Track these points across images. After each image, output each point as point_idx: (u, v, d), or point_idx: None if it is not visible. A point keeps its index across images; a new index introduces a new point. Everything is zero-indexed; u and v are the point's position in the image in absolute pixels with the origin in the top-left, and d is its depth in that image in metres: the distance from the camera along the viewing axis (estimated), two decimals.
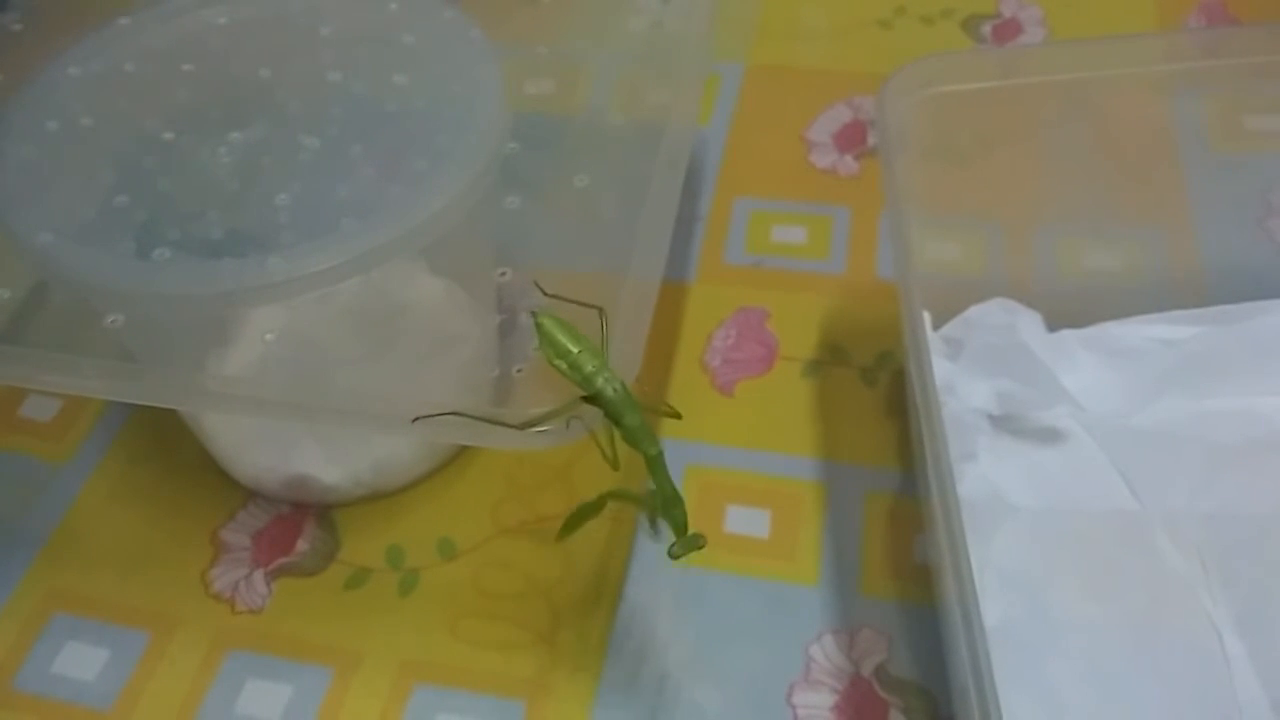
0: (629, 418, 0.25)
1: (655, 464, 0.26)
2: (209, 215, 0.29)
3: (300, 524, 0.36)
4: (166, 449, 0.38)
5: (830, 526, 0.35)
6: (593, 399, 0.25)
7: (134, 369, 0.28)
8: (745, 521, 0.35)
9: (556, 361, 0.25)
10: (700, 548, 0.26)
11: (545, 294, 0.26)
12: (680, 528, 0.26)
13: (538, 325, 0.25)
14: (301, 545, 0.35)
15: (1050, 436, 0.35)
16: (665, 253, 0.27)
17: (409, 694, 0.32)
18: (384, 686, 0.32)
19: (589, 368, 0.25)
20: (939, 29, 0.52)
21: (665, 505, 0.26)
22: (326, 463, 0.36)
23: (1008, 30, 0.52)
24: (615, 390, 0.25)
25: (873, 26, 0.52)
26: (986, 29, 0.52)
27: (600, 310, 0.25)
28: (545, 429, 0.25)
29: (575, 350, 0.25)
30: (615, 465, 0.25)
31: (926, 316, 0.37)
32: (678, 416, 0.28)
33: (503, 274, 0.28)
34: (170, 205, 0.29)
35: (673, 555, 0.26)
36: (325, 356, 0.37)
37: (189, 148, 0.30)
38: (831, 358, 0.39)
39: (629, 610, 0.33)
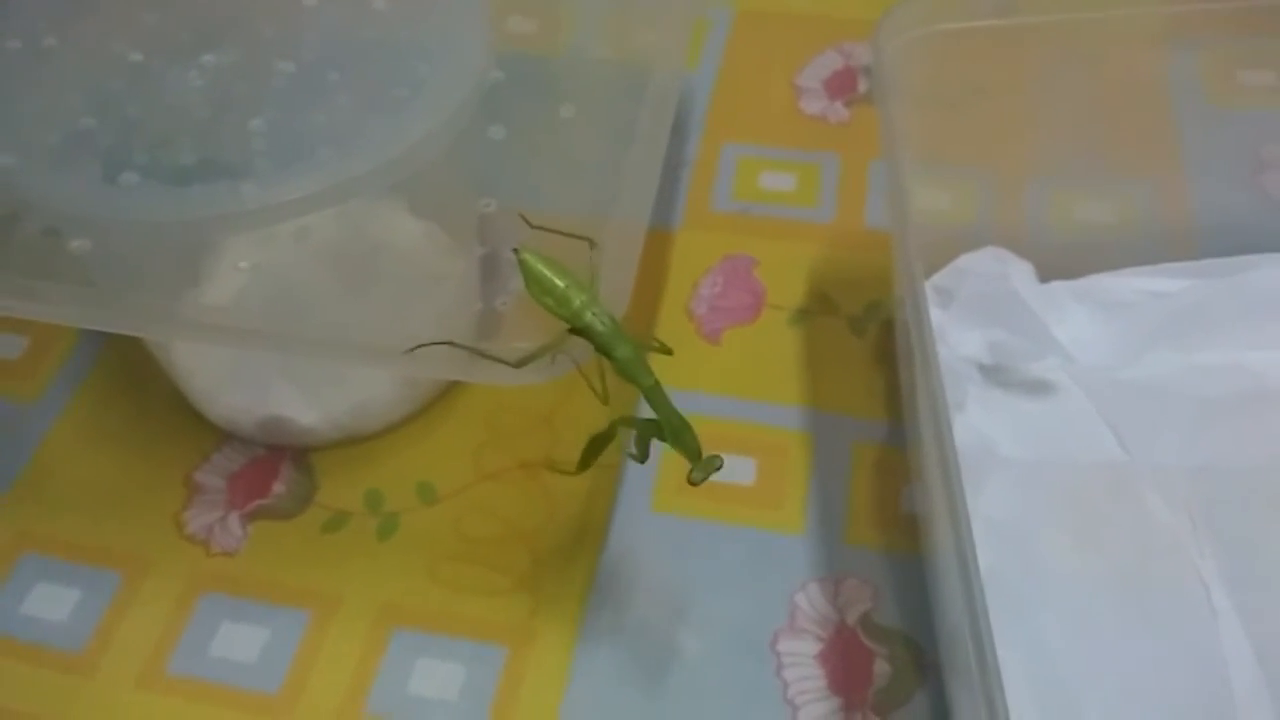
0: (620, 350, 0.24)
1: (654, 394, 0.25)
2: (179, 141, 0.28)
3: (276, 466, 0.35)
4: (138, 388, 0.37)
5: (816, 476, 0.34)
6: (581, 333, 0.24)
7: (101, 294, 0.27)
8: (730, 470, 0.33)
9: (543, 298, 0.24)
10: (719, 468, 0.25)
11: (531, 225, 0.25)
12: (694, 453, 0.25)
13: (521, 261, 0.24)
14: (278, 488, 0.34)
15: (1040, 388, 0.34)
16: (653, 193, 0.26)
17: (388, 638, 0.31)
18: (362, 630, 0.31)
19: (576, 302, 0.24)
20: None
21: (675, 434, 0.25)
22: (303, 404, 0.35)
23: None
24: (604, 324, 0.24)
25: None
26: None
27: (590, 241, 0.25)
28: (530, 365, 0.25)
29: (561, 285, 0.24)
30: (604, 400, 0.25)
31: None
32: (669, 352, 0.27)
33: (486, 204, 0.27)
34: (139, 130, 0.28)
35: (692, 481, 0.25)
36: (303, 295, 0.36)
37: (158, 71, 0.29)
38: (819, 307, 0.39)
39: (612, 557, 0.33)
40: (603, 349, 0.24)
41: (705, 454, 0.25)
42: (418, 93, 0.28)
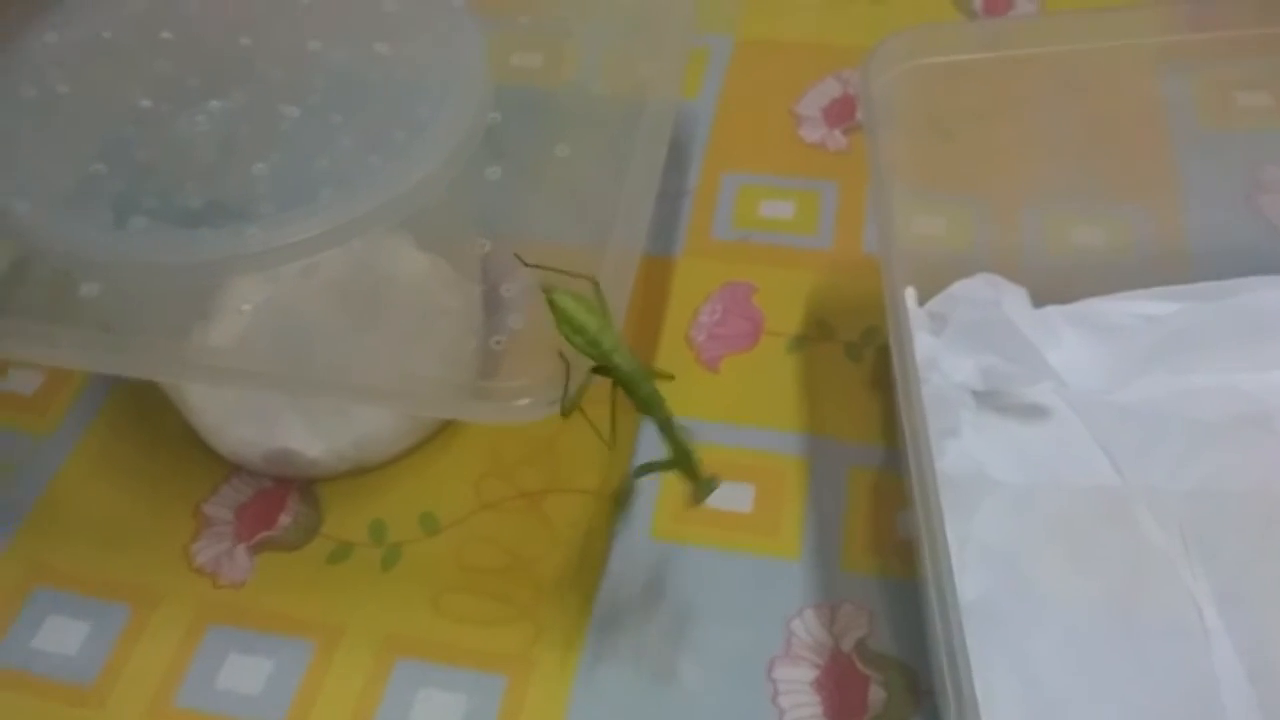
0: (644, 387, 0.26)
1: (669, 426, 0.27)
2: (187, 185, 0.28)
3: (283, 498, 0.36)
4: (150, 423, 0.38)
5: (813, 502, 0.35)
6: (606, 371, 0.25)
7: (113, 340, 0.28)
8: (729, 496, 0.35)
9: (574, 338, 0.25)
10: (716, 488, 0.27)
11: (525, 264, 0.26)
12: (696, 476, 0.27)
13: (552, 303, 0.25)
14: (284, 519, 0.35)
15: (1034, 412, 0.35)
16: (646, 223, 0.27)
17: (391, 668, 0.32)
18: (366, 661, 0.32)
19: (607, 344, 0.25)
20: (930, 2, 0.51)
21: (685, 461, 0.27)
22: (309, 437, 0.35)
23: (999, 4, 0.51)
24: (629, 363, 0.25)
25: (863, 1, 0.52)
26: (977, 2, 0.51)
27: (594, 282, 0.25)
28: (527, 401, 0.25)
29: (594, 326, 0.25)
30: (612, 445, 0.26)
31: (912, 291, 0.37)
32: (671, 378, 0.28)
33: (483, 245, 0.28)
34: (148, 174, 0.29)
35: (695, 501, 0.27)
36: (309, 330, 0.37)
37: (167, 116, 0.30)
38: (817, 333, 0.39)
39: (611, 585, 0.33)
40: (626, 386, 0.26)
41: (704, 476, 0.27)
42: (418, 135, 0.29)
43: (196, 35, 0.32)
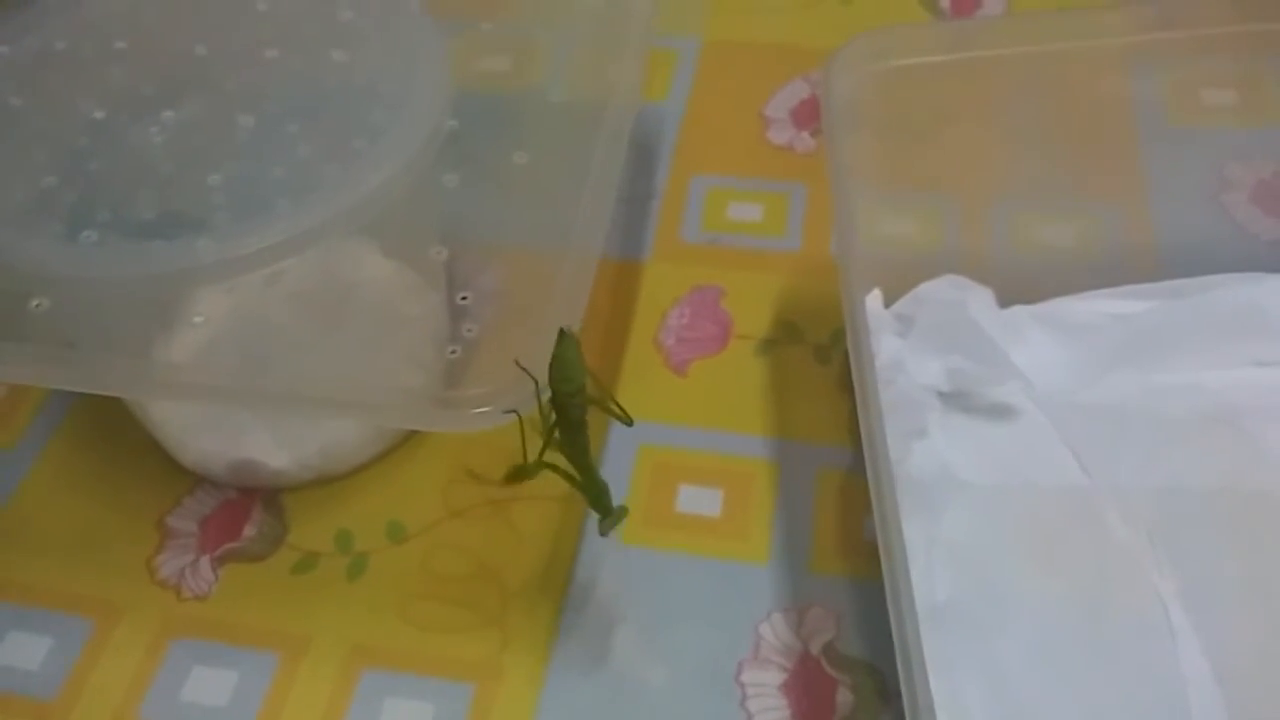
0: (579, 440, 0.27)
1: (586, 474, 0.28)
2: (141, 196, 0.28)
3: (248, 509, 0.35)
4: (112, 435, 0.37)
5: (782, 505, 0.35)
6: (560, 410, 0.26)
7: (72, 356, 0.28)
8: (697, 501, 0.35)
9: (562, 384, 0.26)
10: (621, 520, 0.28)
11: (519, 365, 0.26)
12: (607, 511, 0.28)
13: (563, 337, 0.25)
14: (249, 530, 0.35)
15: (1001, 413, 0.35)
16: (605, 228, 0.27)
17: (357, 678, 0.31)
18: (332, 671, 0.32)
19: (579, 397, 0.26)
20: (899, 3, 0.51)
21: (595, 499, 0.28)
22: (273, 447, 0.35)
23: (966, 4, 0.51)
24: (580, 418, 0.27)
25: (831, 1, 0.52)
26: (945, 2, 0.51)
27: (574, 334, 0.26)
28: (484, 410, 0.26)
29: (580, 379, 0.26)
30: (531, 474, 0.27)
31: (878, 293, 0.37)
32: (629, 423, 0.28)
33: (439, 252, 0.28)
34: (101, 186, 0.28)
35: (602, 532, 0.28)
36: (274, 340, 0.37)
37: (121, 127, 0.29)
38: (786, 336, 0.39)
39: (579, 591, 0.33)
40: (566, 432, 0.27)
41: (617, 505, 0.28)
42: (374, 143, 0.29)
43: (152, 45, 0.32)
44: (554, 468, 0.28)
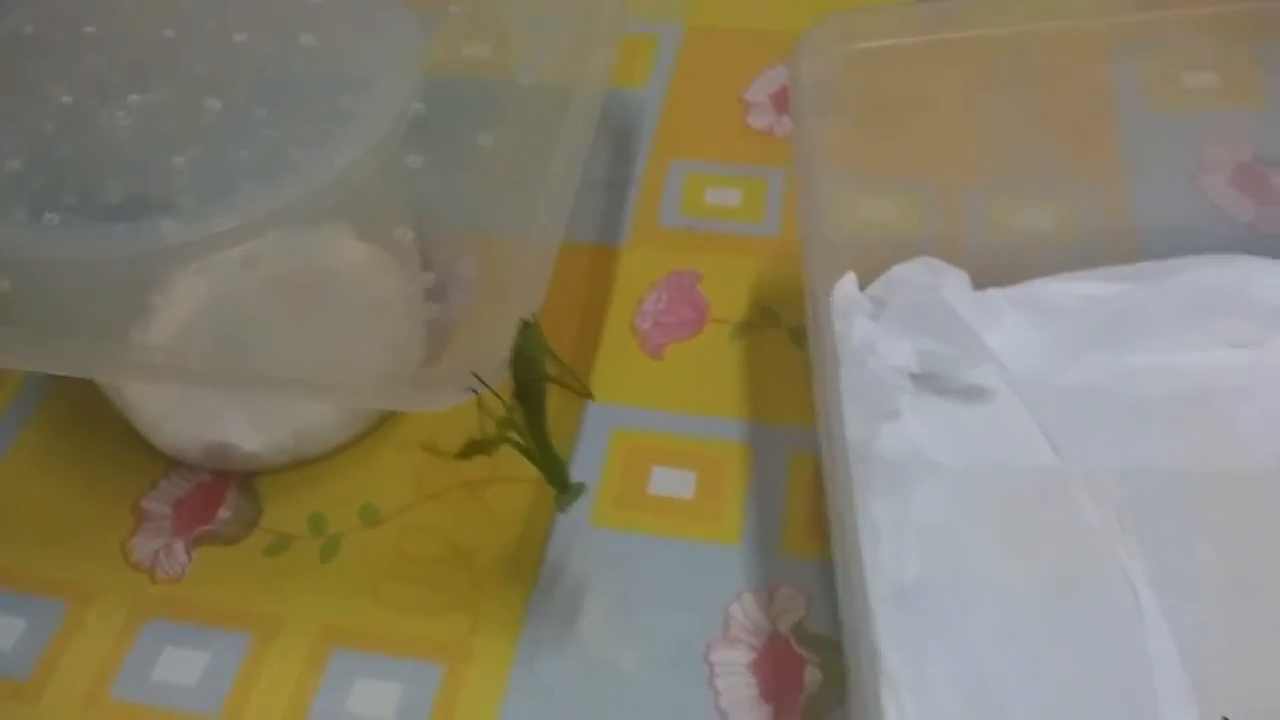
0: (539, 420, 0.27)
1: (548, 448, 0.28)
2: (107, 180, 0.28)
3: (222, 492, 0.36)
4: (88, 419, 0.37)
5: (755, 487, 0.35)
6: (523, 396, 0.27)
7: (49, 339, 0.28)
8: (670, 483, 0.35)
9: (523, 373, 0.26)
10: (577, 498, 0.29)
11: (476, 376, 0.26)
12: (564, 488, 0.29)
13: (523, 328, 0.26)
14: (223, 513, 0.35)
15: (974, 394, 0.35)
16: (567, 212, 0.27)
17: (328, 658, 0.32)
18: (302, 651, 0.32)
19: (538, 385, 0.27)
20: None
21: (550, 474, 0.29)
22: (248, 430, 0.35)
23: None
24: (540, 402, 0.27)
25: None
26: None
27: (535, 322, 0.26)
28: (444, 389, 0.26)
29: (543, 365, 0.26)
30: (487, 450, 0.27)
31: (853, 276, 0.37)
32: (590, 397, 0.29)
33: (403, 234, 0.28)
34: (67, 170, 0.28)
35: (557, 508, 0.29)
36: (253, 323, 0.37)
37: (88, 111, 0.29)
38: (762, 319, 0.39)
39: (551, 573, 0.33)
40: (527, 413, 0.27)
41: (573, 483, 0.28)
42: (340, 126, 0.29)
43: (121, 30, 0.32)
44: (510, 441, 0.28)
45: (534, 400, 0.27)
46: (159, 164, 0.28)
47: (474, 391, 0.25)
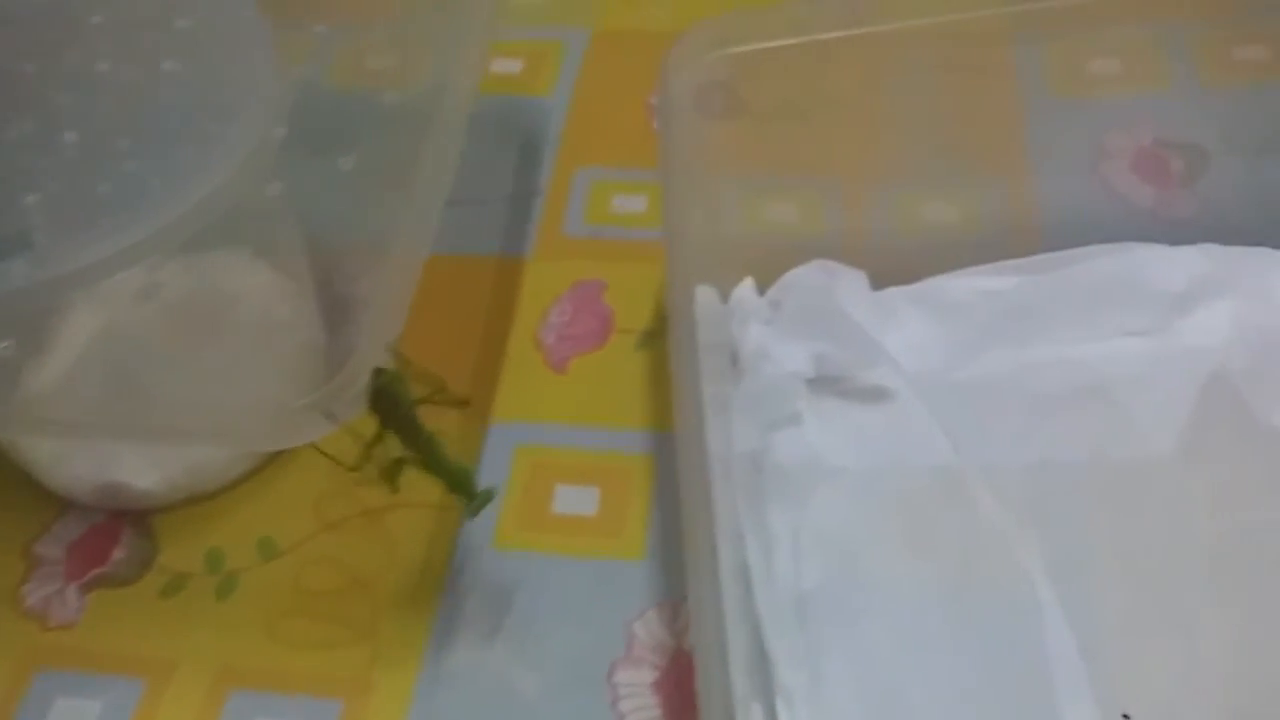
0: (418, 439, 0.27)
1: (443, 459, 0.28)
2: None
3: (117, 532, 0.35)
4: None
5: (659, 499, 0.34)
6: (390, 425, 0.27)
7: None
8: (573, 501, 0.34)
9: (387, 414, 0.27)
10: (485, 504, 0.29)
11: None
12: (471, 496, 0.28)
13: (377, 374, 0.26)
14: (118, 554, 0.34)
15: (873, 396, 0.34)
16: (433, 229, 0.26)
17: (224, 701, 0.31)
18: (198, 695, 0.31)
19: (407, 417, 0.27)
20: None
21: (455, 485, 0.28)
22: (142, 469, 0.34)
23: None
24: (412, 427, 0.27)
25: None
26: None
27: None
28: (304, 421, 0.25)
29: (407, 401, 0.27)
30: (391, 478, 0.28)
31: (750, 281, 0.37)
32: (466, 404, 0.28)
33: (296, 258, 0.27)
34: None
35: (464, 517, 0.29)
36: (146, 355, 0.36)
37: None
38: (666, 327, 0.39)
39: (452, 600, 0.32)
40: (403, 439, 0.27)
41: (481, 490, 0.28)
42: (202, 154, 0.28)
43: None
44: (408, 461, 0.28)
45: (405, 428, 0.26)
46: (12, 202, 0.27)
47: (336, 422, 0.25)
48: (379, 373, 0.25)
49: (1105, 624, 0.29)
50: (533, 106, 0.47)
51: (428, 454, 0.28)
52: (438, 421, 0.28)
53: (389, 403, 0.26)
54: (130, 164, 0.29)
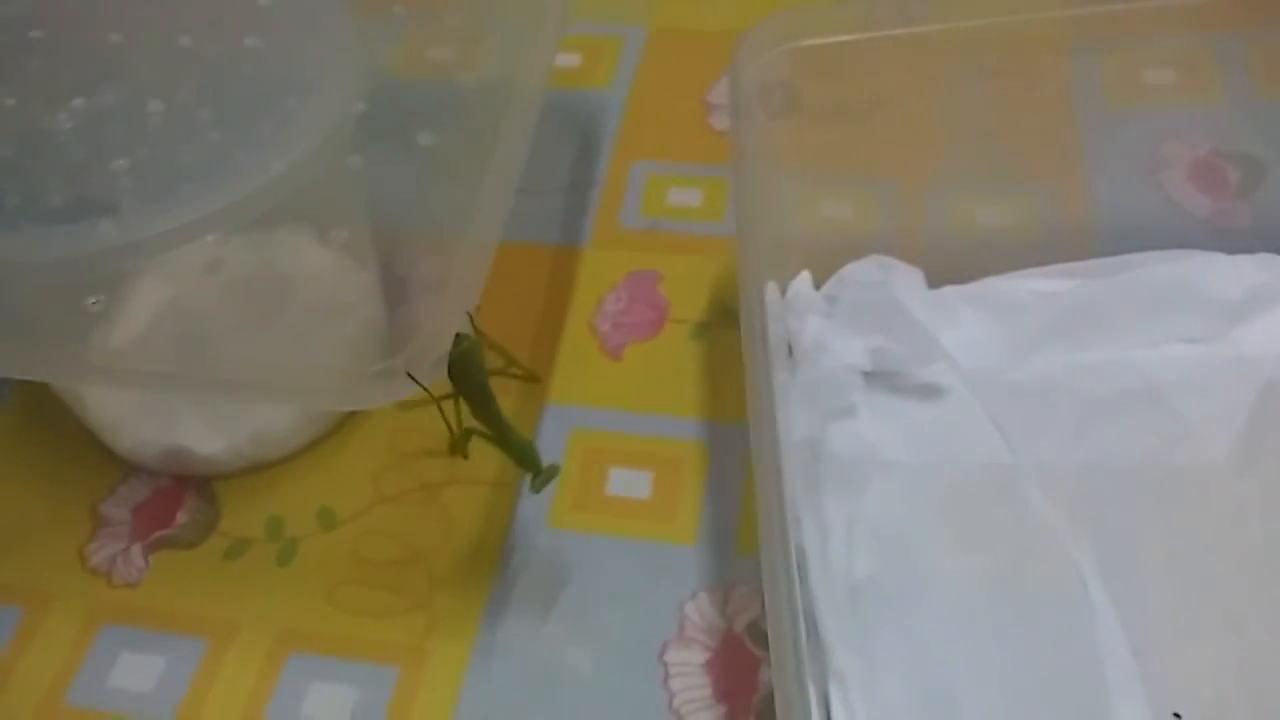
0: (489, 412, 0.28)
1: (506, 438, 0.29)
2: (50, 183, 0.28)
3: (180, 496, 0.36)
4: (48, 425, 0.37)
5: (711, 486, 0.35)
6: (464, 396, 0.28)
7: (8, 343, 0.28)
8: (627, 484, 0.35)
9: (463, 382, 0.27)
10: (552, 478, 0.30)
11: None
12: (536, 470, 0.29)
13: (459, 341, 0.26)
14: (181, 517, 0.35)
15: (928, 392, 0.35)
16: (505, 212, 0.27)
17: (284, 662, 0.32)
18: (259, 655, 0.32)
19: (480, 386, 0.28)
20: None
21: (520, 458, 0.29)
22: (206, 434, 0.35)
23: None
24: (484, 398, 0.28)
25: None
26: None
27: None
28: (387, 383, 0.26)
29: (483, 375, 0.27)
30: (460, 446, 0.29)
31: (808, 275, 0.37)
32: (537, 380, 0.29)
33: (340, 234, 0.28)
34: (10, 174, 0.28)
35: (533, 489, 0.30)
36: (214, 328, 0.37)
37: (32, 115, 0.29)
38: (721, 319, 0.39)
39: (507, 575, 0.33)
40: (474, 409, 0.28)
41: (547, 464, 0.29)
42: (282, 128, 0.29)
43: (67, 34, 0.32)
44: (480, 433, 0.29)
45: (478, 396, 0.27)
46: (102, 167, 0.28)
47: (418, 385, 0.25)
48: (460, 338, 0.25)
49: (1156, 624, 0.30)
50: (591, 100, 0.47)
51: (496, 425, 0.29)
52: (500, 400, 0.29)
53: (467, 370, 0.26)
54: (213, 135, 0.30)
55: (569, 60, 0.49)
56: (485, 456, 0.36)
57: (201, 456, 0.35)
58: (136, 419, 0.36)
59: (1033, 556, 0.31)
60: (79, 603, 0.33)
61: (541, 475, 0.29)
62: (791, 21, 0.34)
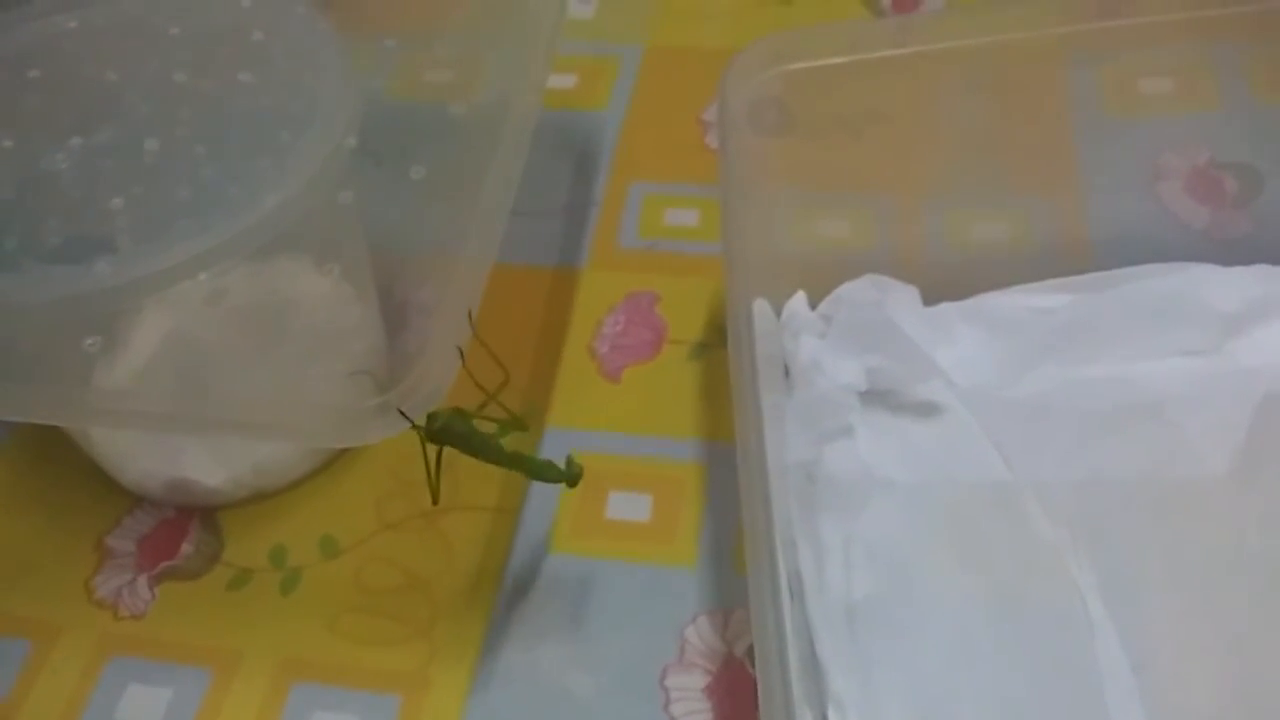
0: (484, 450, 0.29)
1: (512, 464, 0.29)
2: (49, 222, 0.29)
3: (185, 527, 0.36)
4: (53, 458, 0.38)
5: (710, 508, 0.35)
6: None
7: (6, 387, 0.28)
8: (626, 507, 0.35)
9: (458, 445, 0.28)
10: (580, 474, 0.29)
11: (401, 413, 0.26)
12: (559, 477, 0.30)
13: (432, 417, 0.27)
14: (185, 548, 0.35)
15: (925, 410, 0.35)
16: (499, 234, 0.27)
17: (287, 692, 0.32)
18: (262, 685, 0.32)
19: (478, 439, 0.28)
20: (840, 4, 0.52)
21: (536, 475, 0.30)
22: (210, 466, 0.36)
23: (907, 3, 0.52)
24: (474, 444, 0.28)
25: (773, 5, 0.52)
26: (887, 1, 0.51)
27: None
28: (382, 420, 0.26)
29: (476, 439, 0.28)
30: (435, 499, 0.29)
31: (802, 295, 0.37)
32: (525, 428, 0.29)
33: (331, 270, 0.28)
34: (9, 213, 0.29)
35: (571, 487, 0.30)
36: (213, 360, 0.37)
37: (29, 154, 0.30)
38: (718, 340, 0.39)
39: (507, 601, 0.33)
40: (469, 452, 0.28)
41: (571, 469, 0.29)
42: (277, 162, 0.29)
43: (65, 73, 0.32)
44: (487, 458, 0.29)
45: (477, 451, 0.28)
46: (99, 206, 0.29)
47: (410, 424, 0.26)
48: (433, 417, 0.26)
49: (1156, 641, 0.30)
50: (588, 121, 0.48)
51: (506, 462, 0.29)
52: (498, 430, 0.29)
53: (453, 438, 0.27)
54: (208, 171, 0.30)
55: (565, 81, 0.49)
56: (485, 483, 0.36)
57: (205, 488, 0.36)
58: (140, 452, 0.36)
59: (1032, 574, 0.31)
60: (86, 635, 0.33)
61: (569, 477, 0.29)
62: (781, 45, 0.35)
